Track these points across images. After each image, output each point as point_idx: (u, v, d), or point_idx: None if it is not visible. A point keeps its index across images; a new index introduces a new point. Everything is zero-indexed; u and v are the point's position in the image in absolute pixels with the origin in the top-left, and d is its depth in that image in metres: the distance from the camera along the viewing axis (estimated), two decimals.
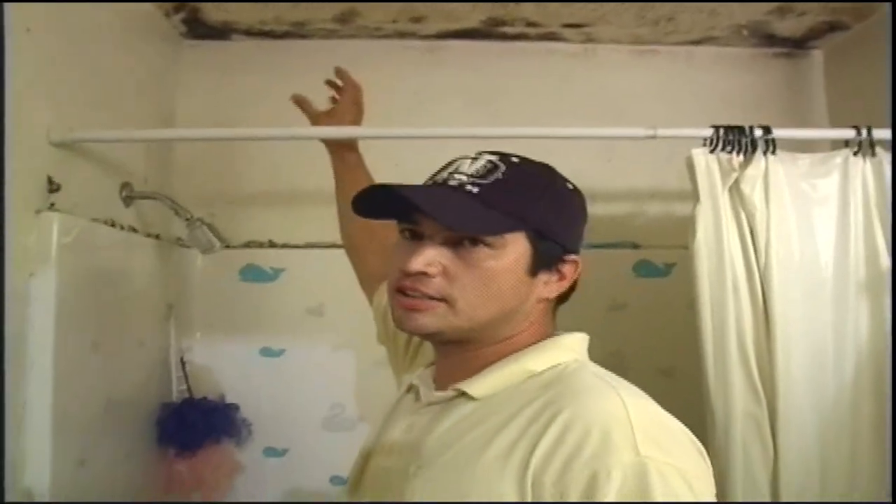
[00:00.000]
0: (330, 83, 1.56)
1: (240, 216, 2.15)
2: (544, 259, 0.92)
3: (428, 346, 1.16)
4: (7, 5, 1.20)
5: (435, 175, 0.96)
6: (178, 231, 2.04)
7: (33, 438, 1.39)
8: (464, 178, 0.91)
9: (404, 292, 0.91)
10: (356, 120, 1.54)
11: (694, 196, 1.54)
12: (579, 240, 0.98)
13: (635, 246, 2.17)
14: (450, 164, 0.96)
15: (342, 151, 1.51)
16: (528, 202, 0.91)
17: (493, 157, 0.94)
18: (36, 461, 1.39)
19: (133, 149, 1.89)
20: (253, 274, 2.15)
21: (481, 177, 0.91)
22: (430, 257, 0.89)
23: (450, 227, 0.88)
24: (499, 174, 0.91)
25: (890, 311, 1.51)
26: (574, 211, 0.97)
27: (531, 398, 0.86)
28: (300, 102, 1.54)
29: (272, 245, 2.17)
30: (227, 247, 2.01)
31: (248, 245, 2.17)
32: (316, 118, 1.54)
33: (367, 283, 1.42)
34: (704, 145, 1.54)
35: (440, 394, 0.95)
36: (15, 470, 1.35)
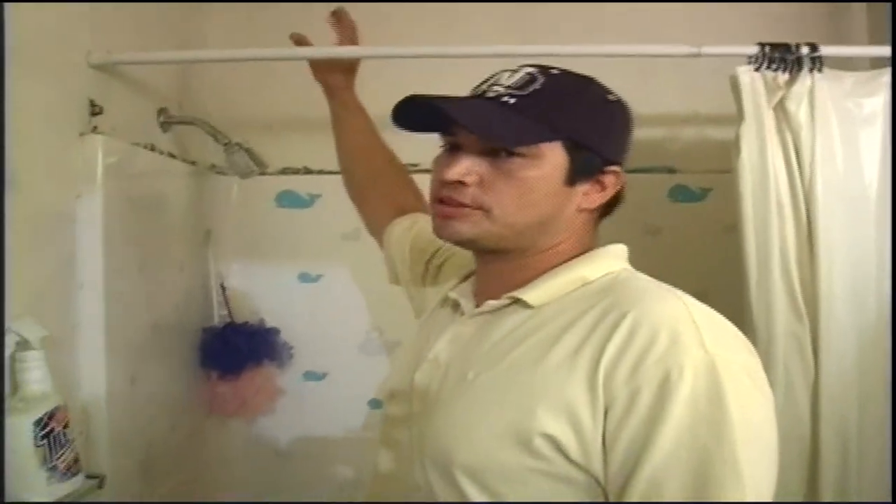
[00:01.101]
0: (330, 21, 1.52)
1: (275, 142, 2.13)
2: (582, 169, 0.92)
3: (452, 266, 1.18)
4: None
5: (476, 88, 0.96)
6: (213, 158, 2.04)
7: (87, 357, 1.43)
8: (501, 89, 0.91)
9: (442, 201, 0.93)
10: (355, 61, 1.51)
11: (738, 115, 1.52)
12: (622, 151, 0.97)
13: (671, 170, 2.13)
14: (491, 77, 0.96)
15: (343, 94, 1.49)
16: (564, 112, 0.90)
17: (532, 69, 0.93)
18: (91, 379, 1.44)
19: (169, 74, 1.88)
20: (289, 200, 2.16)
21: (519, 88, 0.91)
22: (466, 167, 0.90)
23: (483, 138, 0.89)
24: (536, 85, 0.91)
25: None
26: (615, 121, 0.97)
27: (589, 304, 0.87)
28: (300, 41, 1.52)
29: (308, 171, 2.16)
30: (263, 173, 2.02)
31: (283, 171, 2.16)
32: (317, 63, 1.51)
33: (375, 228, 1.43)
34: (749, 63, 1.51)
35: (493, 302, 0.95)
36: (71, 389, 1.39)
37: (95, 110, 1.46)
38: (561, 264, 0.95)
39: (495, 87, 0.92)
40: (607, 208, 0.99)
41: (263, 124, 2.15)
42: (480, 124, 0.88)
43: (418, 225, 1.29)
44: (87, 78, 1.46)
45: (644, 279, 0.93)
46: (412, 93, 0.92)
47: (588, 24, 2.11)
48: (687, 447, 0.75)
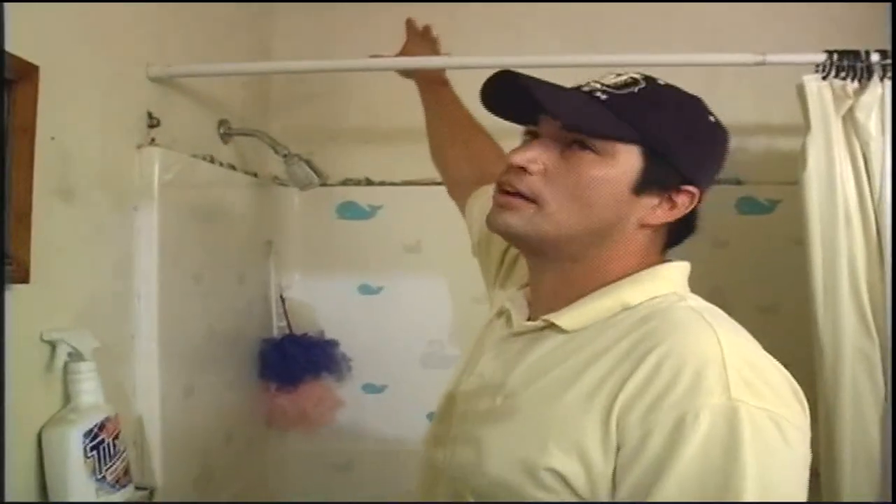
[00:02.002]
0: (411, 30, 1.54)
1: (336, 154, 2.14)
2: (654, 180, 0.85)
3: (523, 265, 1.10)
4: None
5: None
6: (275, 169, 2.05)
7: (142, 368, 1.44)
8: (598, 86, 0.87)
9: (502, 188, 0.88)
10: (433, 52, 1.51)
11: (805, 125, 1.46)
12: (708, 174, 0.90)
13: (738, 182, 2.06)
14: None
15: (435, 86, 1.47)
16: (653, 118, 0.85)
17: (638, 76, 0.88)
18: (146, 389, 1.44)
19: (230, 86, 1.90)
20: (350, 211, 2.15)
21: (617, 88, 0.86)
22: (534, 153, 0.86)
23: (557, 118, 0.84)
24: (635, 88, 0.86)
25: None
26: (707, 141, 0.91)
27: (624, 333, 0.81)
28: (411, 25, 1.52)
29: (369, 182, 2.16)
30: (324, 184, 2.02)
31: (344, 182, 2.16)
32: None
33: (458, 191, 1.37)
34: (816, 71, 1.44)
35: (530, 324, 0.91)
36: (126, 400, 1.40)
37: (153, 122, 1.47)
38: (607, 284, 0.88)
39: (593, 84, 0.88)
40: (677, 235, 0.92)
41: (326, 135, 2.16)
42: (561, 107, 0.83)
43: None
44: (146, 90, 1.47)
45: (687, 307, 0.84)
46: (500, 78, 0.87)
47: (653, 33, 2.06)
48: (692, 497, 0.69)
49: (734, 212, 2.06)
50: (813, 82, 1.44)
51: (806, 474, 0.73)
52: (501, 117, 0.93)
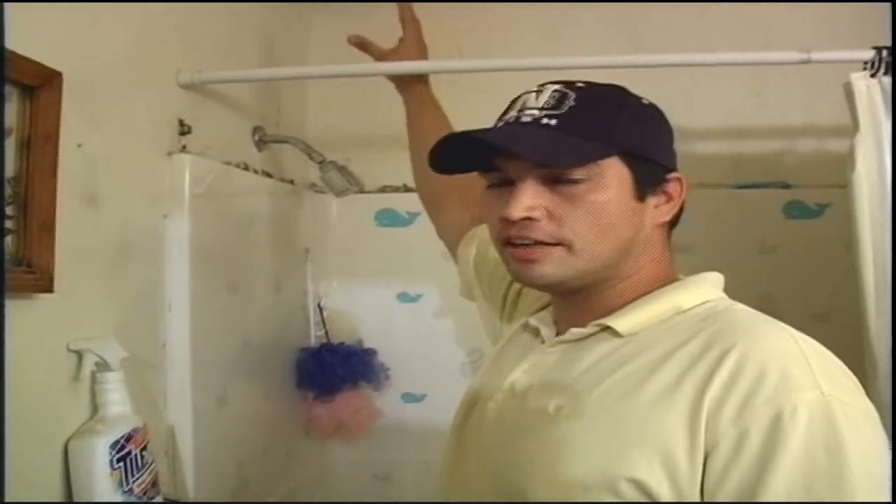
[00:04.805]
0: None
1: (374, 160, 2.11)
2: (647, 181, 0.86)
3: (529, 294, 1.10)
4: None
5: (503, 115, 0.90)
6: (312, 176, 2.03)
7: (174, 377, 1.42)
8: (535, 112, 0.85)
9: (513, 242, 0.85)
10: (420, 58, 1.46)
11: (853, 125, 1.39)
12: (673, 156, 0.91)
13: (785, 186, 1.99)
14: (515, 101, 0.90)
15: (415, 85, 1.43)
16: (611, 123, 0.84)
17: (558, 87, 0.87)
18: (178, 400, 1.42)
19: (265, 92, 1.88)
20: (388, 218, 2.13)
21: (553, 108, 0.84)
22: (529, 200, 0.83)
23: (541, 164, 0.81)
24: (570, 101, 0.84)
25: None
26: (658, 125, 0.91)
27: (687, 335, 0.80)
28: (360, 44, 1.48)
29: (407, 189, 2.12)
30: (362, 191, 2.00)
31: (383, 189, 2.14)
32: (380, 58, 1.48)
33: (448, 235, 1.37)
34: (864, 69, 1.38)
35: (579, 330, 0.88)
36: (157, 410, 1.39)
37: (184, 129, 1.46)
38: (651, 290, 0.88)
39: (528, 111, 0.86)
40: (674, 220, 0.92)
41: (364, 141, 2.14)
42: (534, 150, 0.81)
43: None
44: (178, 97, 1.46)
45: (745, 309, 0.85)
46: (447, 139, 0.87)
47: (694, 32, 2.00)
48: (801, 498, 0.67)
49: (782, 216, 1.99)
50: (861, 80, 1.37)
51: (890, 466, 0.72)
52: (454, 173, 0.93)
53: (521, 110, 0.87)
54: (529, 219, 0.83)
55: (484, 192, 0.91)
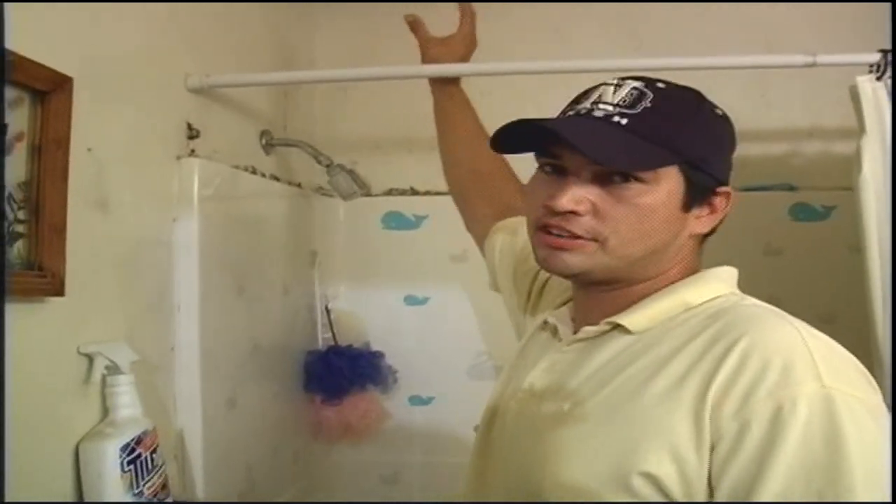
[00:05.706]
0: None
1: (381, 163, 2.13)
2: (697, 192, 0.86)
3: (553, 288, 1.11)
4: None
5: (576, 104, 0.89)
6: (319, 180, 2.04)
7: (184, 380, 1.43)
8: (609, 108, 0.84)
9: (549, 231, 0.86)
10: (467, 53, 1.46)
11: (859, 128, 1.39)
12: (729, 170, 0.91)
13: (791, 188, 1.99)
14: (590, 91, 0.89)
15: (450, 87, 1.44)
16: (680, 132, 0.84)
17: (638, 84, 0.86)
18: (187, 402, 1.43)
19: (273, 96, 1.89)
20: (395, 221, 2.13)
21: (628, 106, 0.84)
22: (579, 195, 0.83)
23: (602, 164, 0.82)
24: (646, 102, 0.84)
25: None
26: (725, 138, 0.91)
27: (695, 331, 0.81)
28: (413, 24, 1.46)
29: (414, 192, 2.14)
30: (369, 194, 2.00)
31: (389, 192, 2.14)
32: (426, 44, 1.46)
33: (476, 228, 1.37)
34: (870, 72, 1.38)
35: (591, 328, 0.89)
36: (167, 413, 1.39)
37: (193, 133, 1.46)
38: (663, 288, 0.89)
39: (602, 106, 0.85)
40: (711, 231, 0.93)
41: (371, 145, 2.15)
42: (600, 150, 0.80)
43: (522, 236, 1.21)
44: (186, 101, 1.47)
45: (755, 304, 0.86)
46: (517, 111, 0.88)
47: (699, 35, 2.01)
48: (799, 492, 0.68)
49: (788, 219, 1.99)
50: (867, 83, 1.38)
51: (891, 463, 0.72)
52: (511, 153, 0.94)
53: (594, 102, 0.86)
54: (573, 212, 0.83)
55: (535, 174, 0.91)
